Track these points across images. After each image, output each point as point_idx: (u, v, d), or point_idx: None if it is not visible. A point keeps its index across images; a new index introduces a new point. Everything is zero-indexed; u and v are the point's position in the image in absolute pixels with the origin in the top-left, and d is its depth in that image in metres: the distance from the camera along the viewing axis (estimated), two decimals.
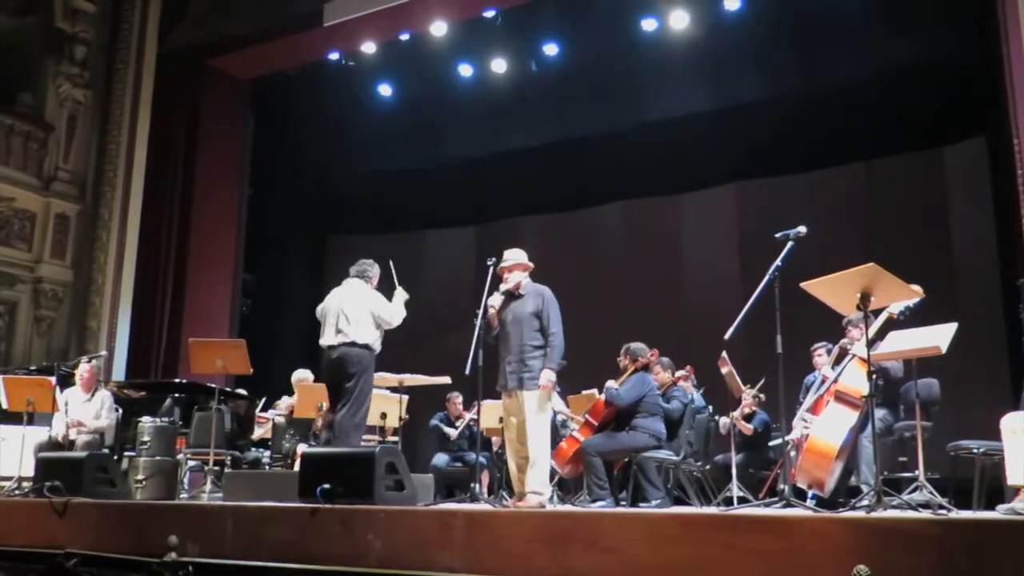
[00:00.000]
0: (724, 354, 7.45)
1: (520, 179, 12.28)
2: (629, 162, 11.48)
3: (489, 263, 6.09)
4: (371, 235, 13.29)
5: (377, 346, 6.43)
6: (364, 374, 6.30)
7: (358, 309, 6.34)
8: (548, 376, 5.82)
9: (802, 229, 5.00)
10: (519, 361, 5.89)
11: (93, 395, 8.03)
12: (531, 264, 6.22)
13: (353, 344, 6.28)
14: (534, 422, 5.83)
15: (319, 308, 6.57)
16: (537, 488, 5.76)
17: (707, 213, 11.29)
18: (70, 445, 7.65)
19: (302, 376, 8.63)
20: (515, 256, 6.16)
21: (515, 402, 5.91)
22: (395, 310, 6.47)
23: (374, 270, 6.65)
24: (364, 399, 6.32)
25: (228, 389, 9.16)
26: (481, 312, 5.88)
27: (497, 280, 6.10)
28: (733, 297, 9.86)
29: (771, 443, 8.14)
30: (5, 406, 7.68)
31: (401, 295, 6.56)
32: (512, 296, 6.08)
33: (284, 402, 8.72)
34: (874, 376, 5.17)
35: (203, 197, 11.88)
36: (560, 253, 11.98)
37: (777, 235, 5.06)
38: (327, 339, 6.40)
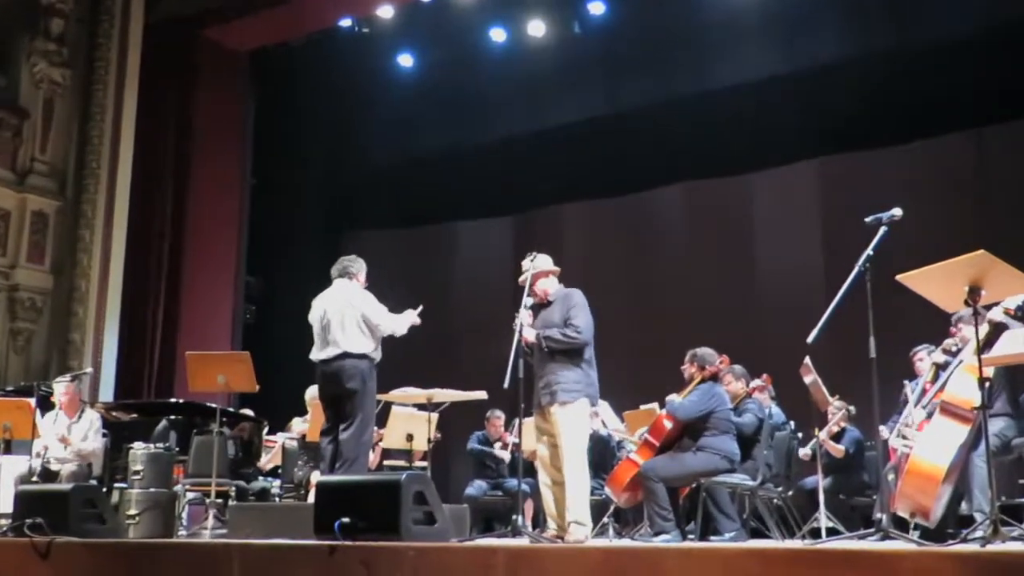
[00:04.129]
0: (807, 360, 7.42)
1: (563, 160, 12.31)
2: (691, 137, 11.45)
3: (529, 259, 6.11)
4: (392, 229, 13.43)
5: (376, 354, 6.48)
6: (365, 387, 6.38)
7: (348, 314, 6.40)
8: (530, 332, 5.82)
9: (897, 212, 4.94)
10: (549, 374, 5.93)
11: (80, 416, 8.13)
12: (557, 268, 6.25)
13: (347, 355, 6.35)
14: (569, 440, 5.83)
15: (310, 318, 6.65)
16: (579, 518, 5.75)
17: (784, 195, 11.23)
18: (53, 477, 7.75)
19: (317, 394, 8.61)
20: (539, 263, 6.16)
21: (548, 420, 5.94)
22: (394, 319, 6.52)
23: (357, 265, 6.69)
24: (369, 416, 6.42)
25: (231, 409, 9.26)
26: (519, 317, 5.89)
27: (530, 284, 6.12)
28: (816, 293, 9.89)
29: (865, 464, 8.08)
30: None
31: (409, 316, 6.60)
32: (541, 304, 6.14)
33: (296, 424, 8.78)
34: (987, 384, 5.08)
35: (199, 190, 12.02)
36: (611, 245, 12.03)
37: (868, 219, 5.00)
38: (318, 352, 6.48)
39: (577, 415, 5.88)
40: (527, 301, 6.03)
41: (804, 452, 7.83)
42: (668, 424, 6.65)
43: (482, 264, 12.96)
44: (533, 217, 12.73)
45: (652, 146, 11.78)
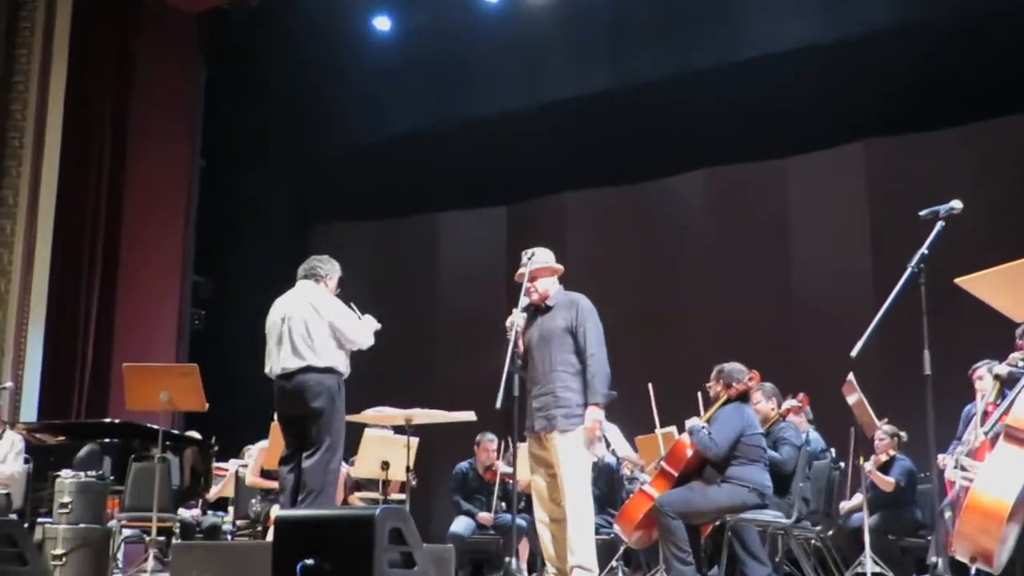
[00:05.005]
0: (851, 377, 7.42)
1: (566, 142, 12.32)
2: (714, 116, 11.45)
3: (526, 258, 6.13)
4: (366, 221, 13.46)
5: (345, 369, 6.47)
6: (333, 407, 6.35)
7: (312, 321, 6.38)
8: (594, 415, 5.86)
9: (956, 205, 4.94)
10: (549, 394, 5.93)
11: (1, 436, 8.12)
12: (560, 267, 6.27)
13: (311, 369, 6.33)
14: (571, 472, 5.85)
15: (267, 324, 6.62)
16: (583, 561, 5.75)
17: (824, 183, 11.25)
18: None
19: None
20: (538, 258, 6.19)
21: (545, 447, 5.96)
22: (363, 328, 6.51)
23: (328, 267, 6.67)
24: (337, 440, 6.39)
25: (176, 431, 9.24)
26: (515, 324, 5.90)
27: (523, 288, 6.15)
28: (862, 299, 9.96)
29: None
30: None
31: (371, 322, 6.59)
32: (538, 309, 6.13)
33: (254, 449, 8.77)
34: None
35: (140, 173, 12.00)
36: (621, 240, 12.07)
37: (922, 213, 5.01)
38: (276, 365, 6.45)
39: (581, 445, 5.90)
40: (523, 301, 6.05)
41: (854, 502, 7.85)
42: (689, 451, 6.65)
43: (471, 262, 12.99)
44: (530, 207, 12.75)
45: (669, 126, 11.78)
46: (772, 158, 11.52)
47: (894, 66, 10.44)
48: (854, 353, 4.80)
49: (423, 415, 7.55)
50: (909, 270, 4.80)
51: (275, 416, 8.13)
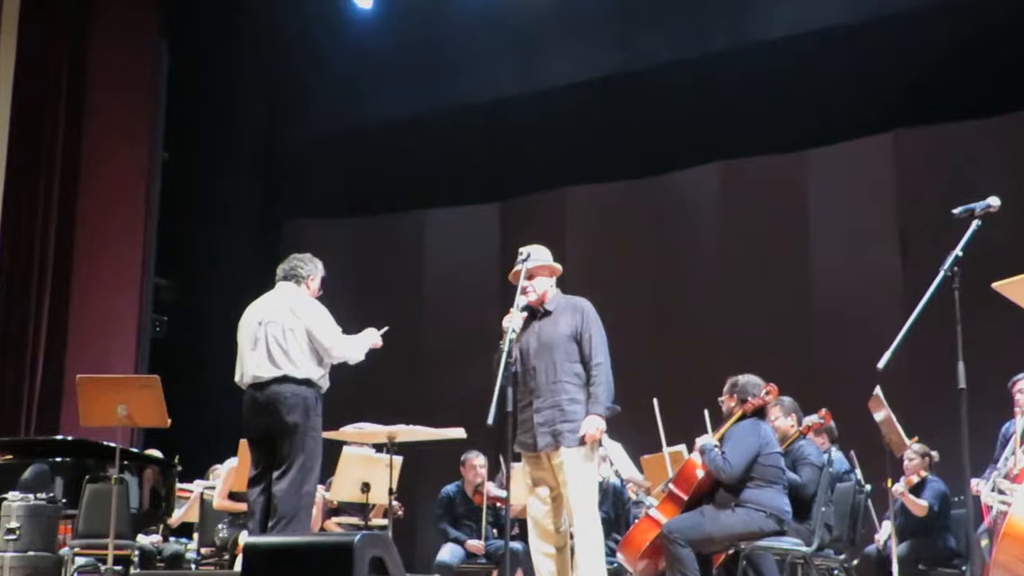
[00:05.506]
0: (878, 391, 7.43)
1: (566, 131, 12.29)
2: (729, 103, 11.46)
3: (521, 258, 6.12)
4: (346, 219, 13.44)
5: (323, 381, 6.45)
6: (308, 422, 6.31)
7: (290, 327, 6.38)
8: (595, 423, 5.88)
9: (993, 202, 4.94)
10: (554, 407, 5.93)
11: None
12: (559, 267, 6.27)
13: (287, 379, 6.31)
14: (580, 492, 5.84)
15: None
16: None
17: (848, 177, 11.23)
18: None
19: None
20: (536, 256, 6.19)
21: (546, 467, 5.95)
22: (349, 341, 6.49)
23: (310, 267, 6.66)
24: (312, 459, 6.36)
25: (135, 450, 9.20)
26: (509, 332, 5.88)
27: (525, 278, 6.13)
28: (889, 304, 9.95)
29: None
30: None
31: (369, 336, 6.59)
32: (536, 313, 6.12)
33: (221, 469, 8.76)
34: None
35: (96, 165, 11.94)
36: (626, 239, 12.07)
37: (956, 211, 5.00)
38: (247, 371, 6.43)
39: (588, 458, 5.90)
40: (520, 301, 6.02)
41: (883, 536, 7.86)
42: (700, 472, 6.64)
43: (461, 264, 12.97)
44: (527, 204, 12.74)
45: (679, 114, 11.75)
46: (792, 150, 11.51)
47: (927, 49, 10.40)
48: (881, 364, 4.79)
49: (407, 432, 7.51)
50: (941, 273, 4.79)
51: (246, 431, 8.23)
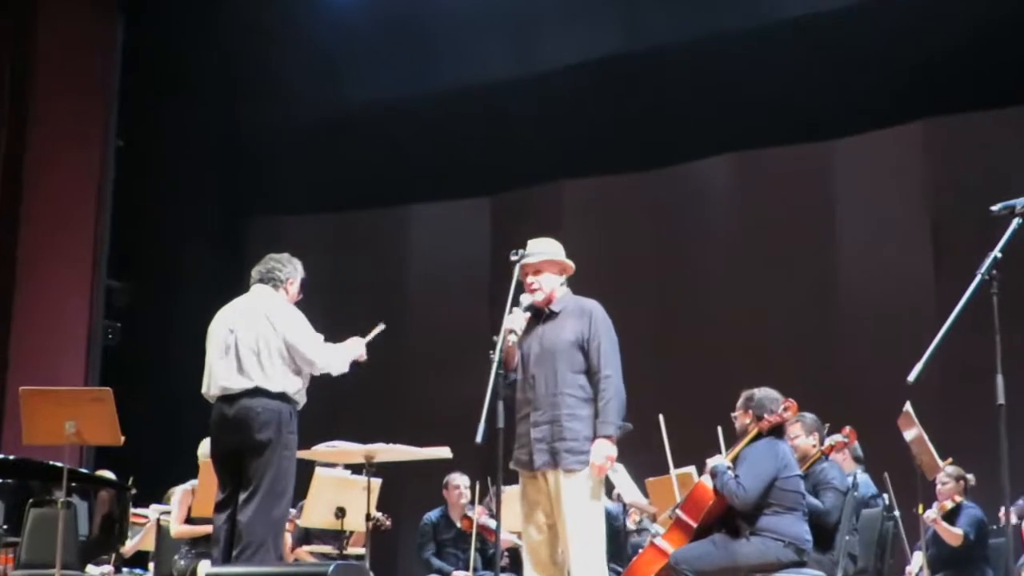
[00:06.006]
0: (908, 407, 7.40)
1: (564, 119, 12.29)
2: (744, 88, 11.47)
3: (514, 258, 6.05)
4: (319, 214, 13.45)
5: (300, 396, 6.41)
6: (280, 440, 6.27)
7: (266, 335, 6.34)
8: (604, 451, 5.76)
9: None
10: (552, 423, 5.85)
11: None
12: (570, 263, 6.19)
13: (259, 392, 6.26)
14: (581, 522, 5.79)
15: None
16: None
17: (876, 170, 11.26)
18: None
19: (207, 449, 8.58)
20: (544, 249, 6.13)
21: (543, 489, 5.89)
22: (332, 352, 6.47)
23: (290, 269, 6.61)
24: (284, 481, 6.32)
25: (85, 470, 9.14)
26: (500, 341, 5.84)
27: (520, 287, 6.05)
28: (921, 310, 9.93)
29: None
30: None
31: (355, 347, 6.57)
32: (541, 315, 6.05)
33: (178, 493, 8.72)
34: None
35: (44, 155, 11.94)
36: (629, 239, 12.09)
37: (994, 208, 4.98)
38: (216, 382, 6.40)
39: (594, 485, 5.82)
40: (525, 300, 5.97)
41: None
42: (711, 497, 6.59)
43: (448, 264, 13.01)
44: (520, 198, 12.76)
45: (689, 100, 11.78)
46: (813, 140, 11.54)
47: (964, 28, 10.38)
48: (911, 378, 4.71)
49: (387, 451, 7.46)
50: (978, 277, 4.76)
51: (201, 450, 8.17)
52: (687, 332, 11.63)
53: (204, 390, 6.46)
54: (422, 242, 13.35)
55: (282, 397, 6.27)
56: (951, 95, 10.72)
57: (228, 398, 6.29)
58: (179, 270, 12.68)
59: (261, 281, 6.55)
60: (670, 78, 11.83)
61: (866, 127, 11.28)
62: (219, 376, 6.35)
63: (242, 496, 6.24)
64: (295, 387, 6.33)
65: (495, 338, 5.84)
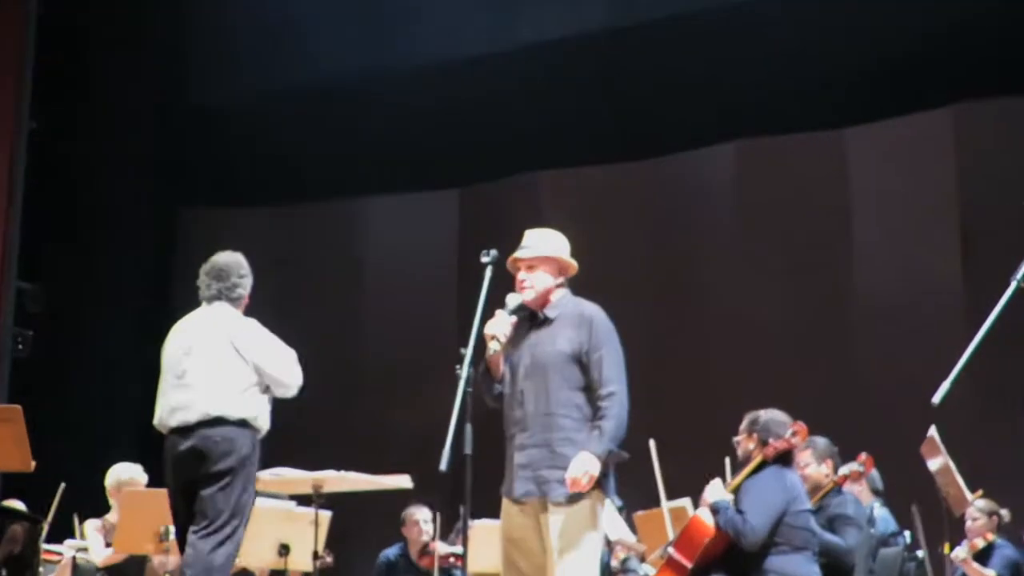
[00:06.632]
0: (933, 432, 7.40)
1: (542, 101, 12.27)
2: (750, 67, 11.47)
3: (485, 259, 5.97)
4: (261, 207, 13.41)
5: (263, 422, 6.44)
6: (241, 472, 6.33)
7: (227, 359, 6.40)
8: (586, 464, 5.58)
9: None
10: (542, 447, 5.74)
11: None
12: (572, 263, 6.11)
13: (219, 421, 6.30)
14: (572, 559, 5.68)
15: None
16: None
17: (899, 160, 11.27)
18: None
19: (127, 477, 8.54)
20: (542, 243, 6.04)
21: (530, 521, 5.79)
22: (293, 362, 6.53)
23: (247, 282, 6.68)
24: (241, 517, 6.35)
25: None
26: (468, 353, 5.73)
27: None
28: (948, 319, 9.92)
29: None
30: None
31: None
32: (535, 319, 5.96)
33: (90, 527, 8.65)
34: None
35: None
36: (616, 237, 12.05)
37: None
38: (170, 413, 6.42)
39: (589, 521, 5.72)
40: (512, 300, 5.89)
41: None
42: (709, 533, 6.56)
43: (410, 264, 13.01)
44: (492, 191, 12.79)
45: (687, 81, 11.78)
46: (827, 127, 11.54)
47: (997, 4, 10.42)
48: (937, 399, 4.62)
49: (338, 480, 7.49)
50: (1013, 284, 4.72)
51: (109, 479, 8.27)
52: (682, 345, 11.63)
53: (156, 421, 6.50)
54: (380, 240, 13.35)
55: (244, 424, 6.33)
56: (985, 76, 10.71)
57: (183, 429, 6.33)
58: (99, 269, 12.61)
59: (219, 298, 6.58)
60: (664, 55, 11.84)
61: (888, 113, 11.28)
62: (174, 405, 6.41)
63: (193, 531, 6.27)
64: (258, 412, 6.40)
65: (463, 350, 5.71)
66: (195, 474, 6.30)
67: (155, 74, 13.48)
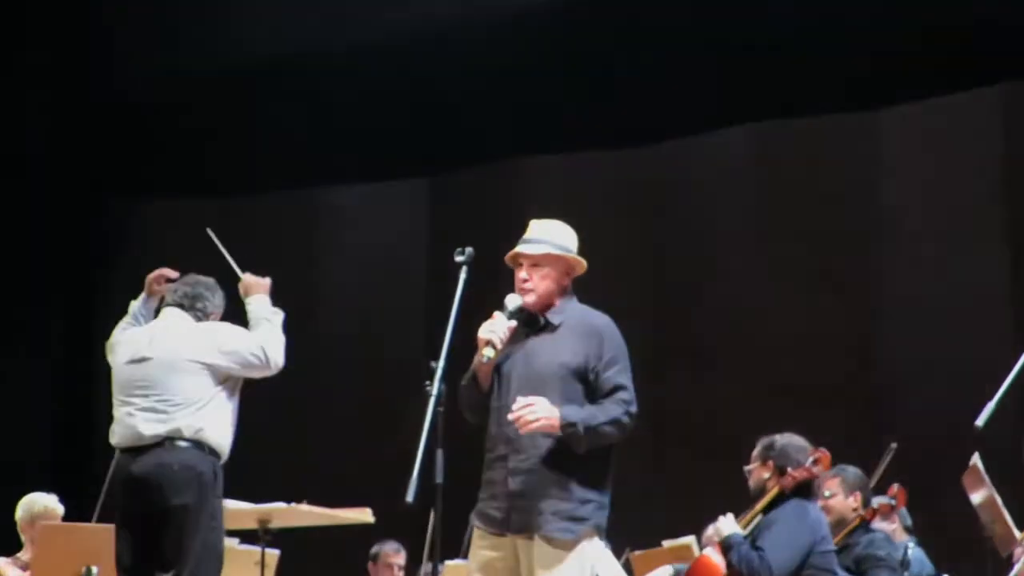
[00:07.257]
0: (976, 460, 7.33)
1: (524, 78, 12.25)
2: (767, 40, 11.41)
3: (459, 258, 5.91)
4: (204, 199, 13.35)
5: (225, 445, 6.50)
6: (205, 505, 6.35)
7: (192, 372, 6.45)
8: (548, 411, 5.57)
9: None
10: (533, 472, 5.69)
11: None
12: (582, 262, 6.06)
13: (175, 441, 6.33)
14: None
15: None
16: None
17: (936, 146, 11.27)
18: None
19: (41, 509, 8.46)
20: (550, 237, 6.00)
21: (510, 556, 5.74)
22: (268, 338, 6.62)
23: (216, 302, 6.81)
24: (210, 559, 6.40)
25: None
26: (440, 366, 5.64)
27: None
28: (992, 328, 9.98)
29: None
30: None
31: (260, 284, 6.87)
32: (534, 324, 5.91)
33: (3, 565, 8.59)
34: None
35: None
36: (611, 232, 11.97)
37: None
38: (124, 431, 6.42)
39: (585, 562, 5.67)
40: (511, 302, 5.83)
41: None
42: (718, 573, 6.61)
43: (374, 263, 13.07)
44: (468, 180, 12.83)
45: (688, 54, 11.77)
46: (856, 108, 11.56)
47: None
48: (980, 422, 4.83)
49: (288, 513, 7.53)
50: None
51: (19, 513, 8.26)
52: (684, 357, 11.66)
53: (113, 441, 6.53)
54: (339, 236, 13.39)
55: (204, 447, 6.37)
56: None
57: (136, 450, 6.37)
58: (11, 269, 12.56)
59: (180, 306, 6.67)
60: (664, 25, 11.79)
61: (924, 93, 11.30)
62: (125, 422, 6.45)
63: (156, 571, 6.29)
64: (221, 432, 6.48)
65: (433, 363, 5.65)
66: (146, 506, 6.31)
67: (80, 47, 13.49)
